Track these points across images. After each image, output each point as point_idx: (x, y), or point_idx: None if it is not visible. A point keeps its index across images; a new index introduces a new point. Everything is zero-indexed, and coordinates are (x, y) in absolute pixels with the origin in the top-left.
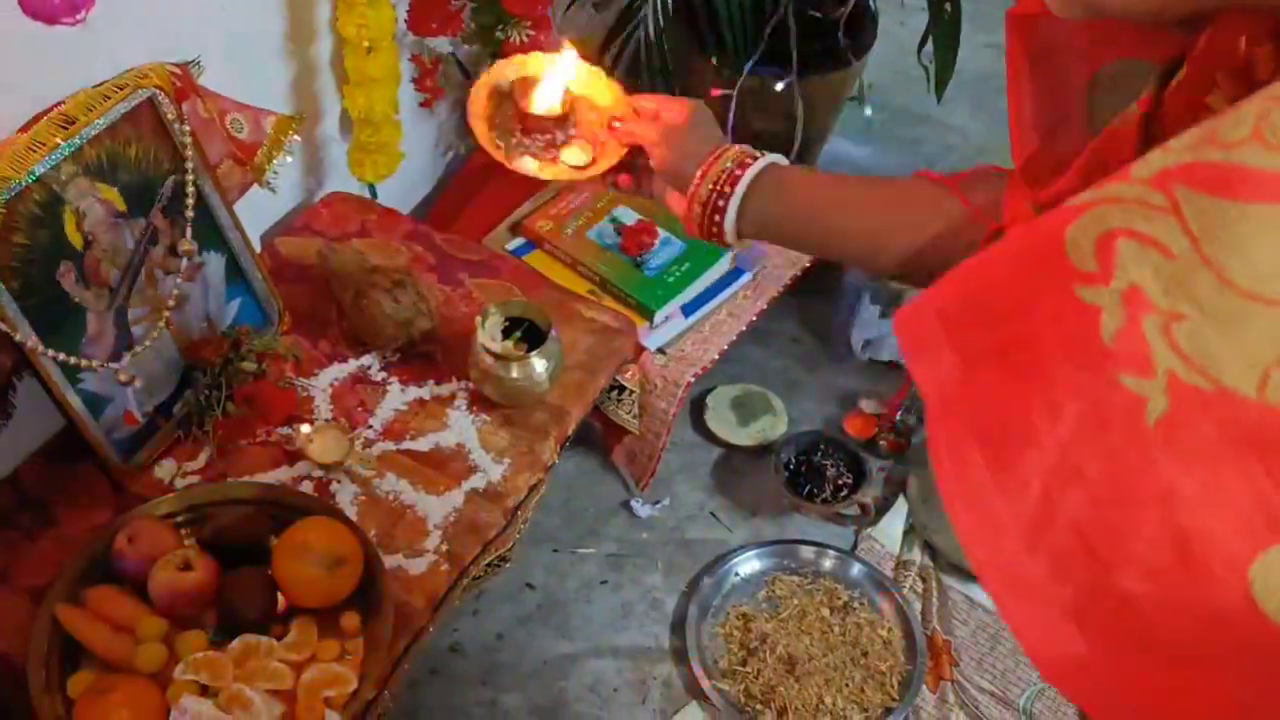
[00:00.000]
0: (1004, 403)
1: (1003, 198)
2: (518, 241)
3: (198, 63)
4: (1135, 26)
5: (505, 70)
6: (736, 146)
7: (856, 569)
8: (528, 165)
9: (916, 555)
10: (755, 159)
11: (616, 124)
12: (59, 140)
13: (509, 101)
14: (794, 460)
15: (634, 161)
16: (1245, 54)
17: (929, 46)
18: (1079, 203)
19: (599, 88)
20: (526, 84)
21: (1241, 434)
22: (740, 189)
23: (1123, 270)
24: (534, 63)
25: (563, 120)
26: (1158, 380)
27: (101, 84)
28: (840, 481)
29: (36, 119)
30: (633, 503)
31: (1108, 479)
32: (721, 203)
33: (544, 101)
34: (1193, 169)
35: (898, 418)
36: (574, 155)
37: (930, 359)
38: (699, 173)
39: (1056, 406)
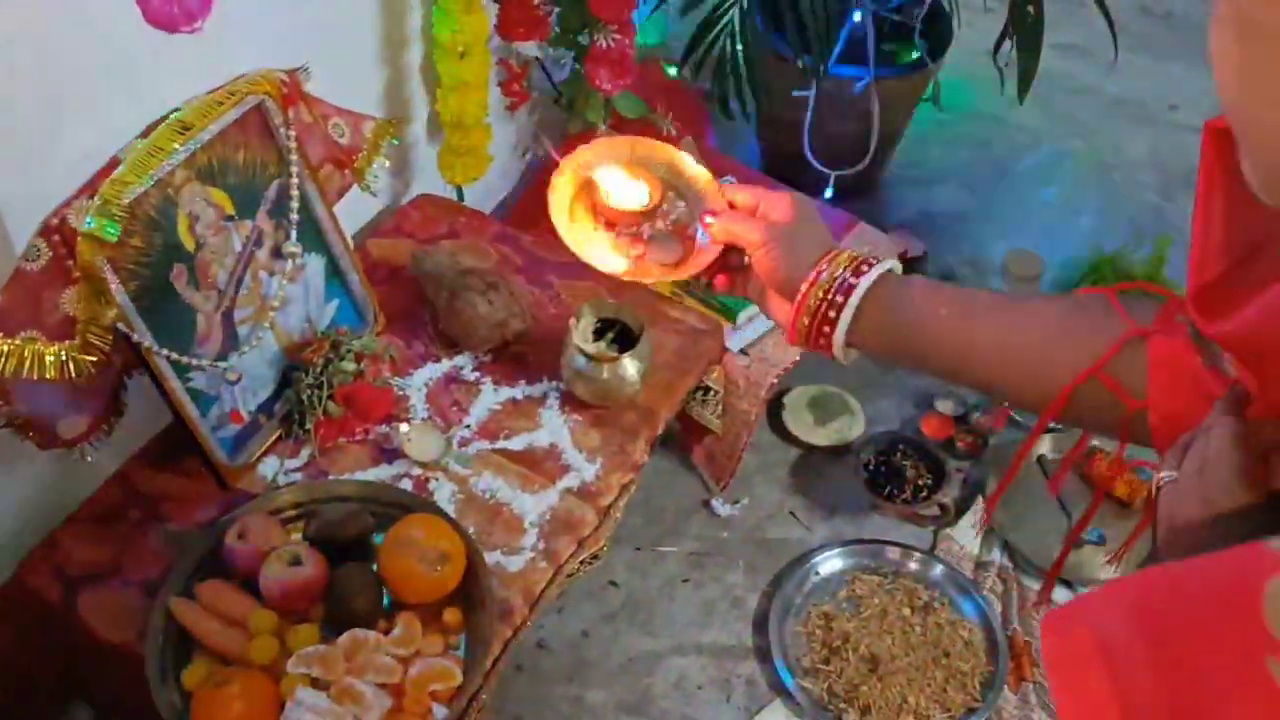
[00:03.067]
0: None
1: (1159, 312)
2: None
3: (305, 69)
4: None
5: (587, 157)
6: (848, 251)
7: (937, 569)
8: (614, 264)
9: (996, 556)
10: (871, 265)
11: (710, 220)
12: (176, 145)
13: (589, 191)
14: (874, 460)
15: (729, 260)
16: None
17: (1001, 48)
18: None
19: (690, 173)
20: (611, 174)
21: None
22: (855, 298)
23: None
24: (620, 148)
25: (650, 213)
26: None
27: (215, 90)
28: (920, 482)
29: (155, 124)
30: (713, 502)
31: None
32: (833, 313)
33: (633, 195)
34: None
35: (972, 418)
36: (663, 252)
37: (1079, 685)
38: (809, 279)
39: None
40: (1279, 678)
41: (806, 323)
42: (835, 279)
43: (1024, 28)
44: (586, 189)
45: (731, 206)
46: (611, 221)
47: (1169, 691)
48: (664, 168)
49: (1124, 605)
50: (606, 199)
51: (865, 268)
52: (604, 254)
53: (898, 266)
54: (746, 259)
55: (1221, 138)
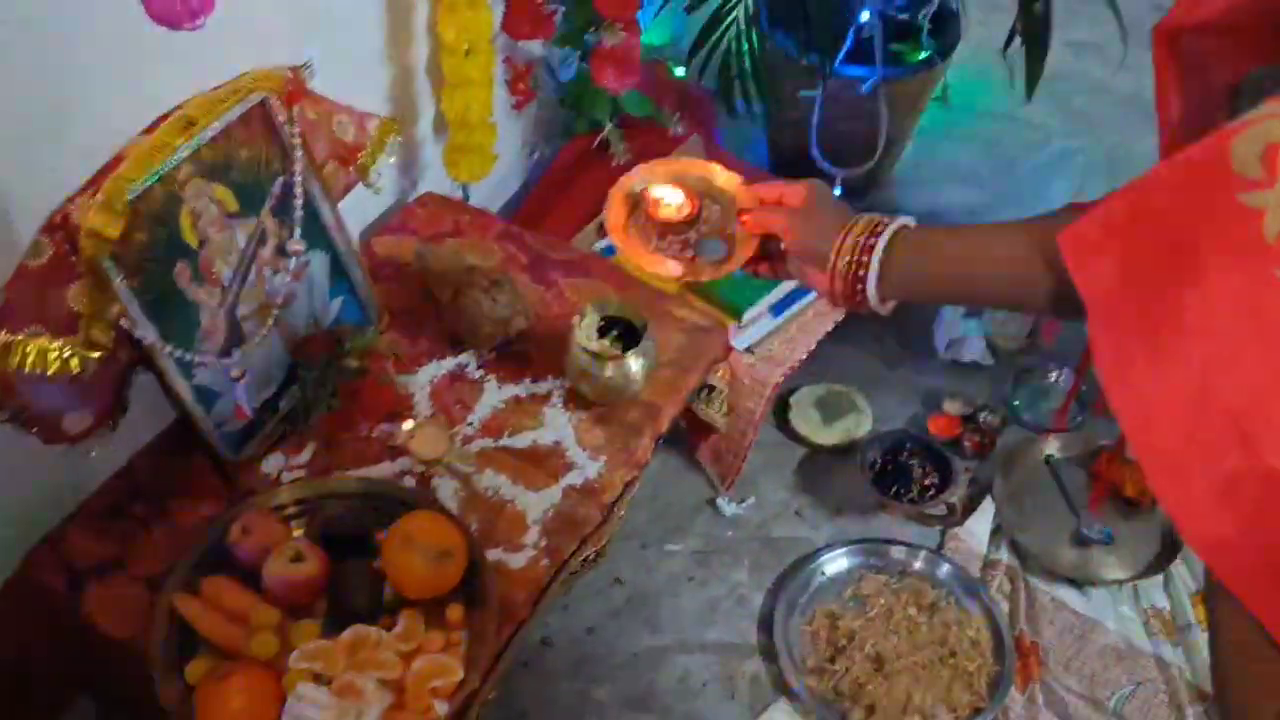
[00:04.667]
0: (1162, 301)
1: None
2: (605, 241)
3: (309, 66)
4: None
5: (633, 180)
6: (865, 216)
7: (944, 569)
8: (671, 268)
9: (1004, 555)
10: (886, 224)
11: (745, 216)
12: (180, 142)
13: (640, 209)
14: (880, 460)
15: (767, 248)
16: None
17: (1011, 45)
18: (1244, 120)
19: (721, 182)
20: (657, 190)
21: None
22: (877, 255)
23: None
24: (659, 170)
25: (693, 220)
26: None
27: (219, 87)
28: (927, 482)
29: (159, 121)
30: (718, 500)
31: (1263, 364)
32: (862, 272)
33: (675, 207)
34: None
35: (980, 418)
36: (711, 251)
37: (1094, 267)
38: (834, 248)
39: (1213, 300)
40: (1249, 203)
41: (840, 286)
42: (857, 242)
43: (1032, 25)
44: (634, 211)
45: (761, 202)
46: (662, 232)
47: (1160, 241)
48: (698, 180)
49: (1120, 199)
50: (657, 212)
51: (881, 227)
52: (659, 262)
53: (911, 221)
54: (781, 245)
55: (1169, 36)
